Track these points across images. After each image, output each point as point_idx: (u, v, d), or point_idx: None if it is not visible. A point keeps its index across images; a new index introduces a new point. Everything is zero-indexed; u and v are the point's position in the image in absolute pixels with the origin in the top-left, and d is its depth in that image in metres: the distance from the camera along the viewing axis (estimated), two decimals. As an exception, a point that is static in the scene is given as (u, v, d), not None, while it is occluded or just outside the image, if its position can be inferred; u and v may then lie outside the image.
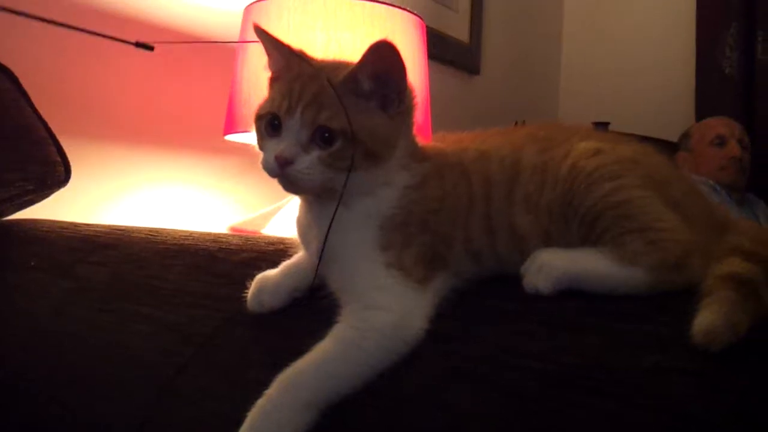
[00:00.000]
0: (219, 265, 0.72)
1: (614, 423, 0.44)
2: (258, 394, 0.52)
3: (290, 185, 0.54)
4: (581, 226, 0.55)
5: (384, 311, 0.52)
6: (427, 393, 0.51)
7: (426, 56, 1.26)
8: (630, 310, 0.50)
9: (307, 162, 0.53)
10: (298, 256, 0.63)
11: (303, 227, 0.60)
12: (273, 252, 0.70)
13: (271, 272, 0.63)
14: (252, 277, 0.63)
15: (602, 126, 1.70)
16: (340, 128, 0.52)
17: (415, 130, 0.59)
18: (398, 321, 0.52)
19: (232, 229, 1.22)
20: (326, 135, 0.53)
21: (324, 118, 0.53)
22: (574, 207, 0.55)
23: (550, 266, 0.52)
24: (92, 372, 0.69)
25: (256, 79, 1.17)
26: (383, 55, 0.53)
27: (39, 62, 1.18)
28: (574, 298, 0.52)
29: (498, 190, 0.57)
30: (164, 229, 0.86)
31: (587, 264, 0.52)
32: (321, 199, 0.56)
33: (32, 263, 0.84)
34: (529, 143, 0.59)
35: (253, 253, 0.71)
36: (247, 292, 0.62)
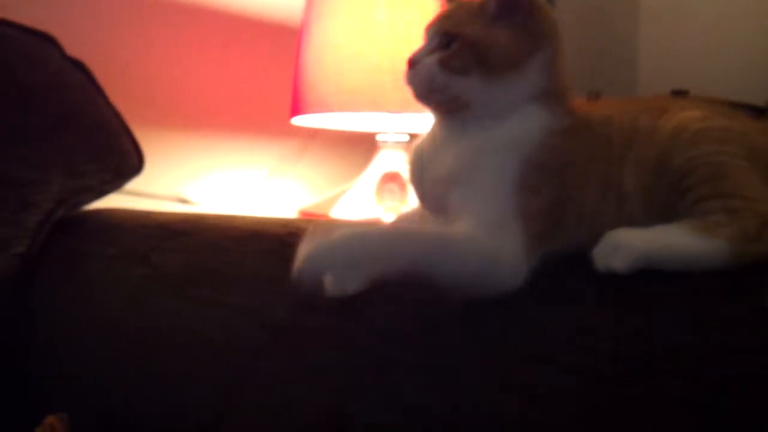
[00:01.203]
0: (289, 250, 0.72)
1: (692, 406, 0.42)
2: (332, 379, 0.52)
3: (414, 90, 0.58)
4: (672, 178, 0.53)
5: (493, 246, 0.51)
6: (501, 376, 0.50)
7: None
8: (706, 289, 0.48)
9: (428, 63, 0.56)
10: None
11: (423, 159, 0.59)
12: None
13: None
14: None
15: (680, 94, 1.63)
16: (458, 32, 0.55)
17: (560, 72, 0.58)
18: (500, 262, 0.51)
19: (302, 212, 1.23)
20: (448, 40, 0.56)
21: (448, 26, 0.56)
22: (670, 159, 0.54)
23: (626, 245, 0.50)
24: (167, 361, 0.70)
25: (321, 61, 1.16)
26: None
27: (107, 54, 1.21)
28: (648, 278, 0.50)
29: (615, 153, 0.56)
30: (236, 215, 0.87)
31: (665, 240, 0.51)
32: (453, 120, 0.57)
33: (110, 252, 0.86)
34: (644, 112, 0.58)
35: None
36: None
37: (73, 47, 1.00)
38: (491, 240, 0.51)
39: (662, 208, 0.54)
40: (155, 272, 0.80)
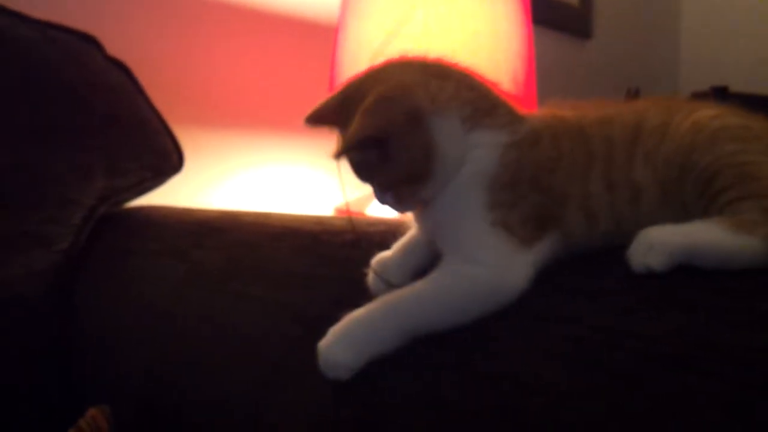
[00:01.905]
0: (323, 247, 0.72)
1: (724, 405, 0.41)
2: (360, 371, 0.53)
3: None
4: (697, 181, 0.53)
5: (482, 266, 0.53)
6: (524, 371, 0.50)
7: (530, 21, 1.21)
8: (737, 287, 0.47)
9: (387, 199, 0.57)
10: (412, 234, 0.63)
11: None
12: (374, 233, 0.69)
13: (386, 254, 0.63)
14: (355, 258, 0.64)
15: (720, 90, 1.59)
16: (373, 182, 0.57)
17: (469, 101, 0.57)
18: (494, 277, 0.53)
19: (338, 210, 1.23)
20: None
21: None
22: (693, 161, 0.53)
23: (661, 242, 0.50)
24: (207, 353, 0.71)
25: (356, 59, 1.17)
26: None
27: (147, 54, 1.23)
28: (676, 275, 0.49)
29: (620, 150, 0.56)
30: (272, 212, 0.88)
31: (700, 236, 0.50)
32: None
33: (152, 248, 0.88)
34: (651, 109, 0.58)
35: (355, 235, 0.71)
36: (351, 273, 0.63)
37: (114, 48, 1.02)
38: (483, 266, 0.53)
39: (684, 207, 0.54)
40: (195, 268, 0.81)
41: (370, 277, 0.62)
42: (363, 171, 0.56)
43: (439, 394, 0.53)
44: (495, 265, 0.53)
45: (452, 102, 0.55)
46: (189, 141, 1.09)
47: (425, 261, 0.60)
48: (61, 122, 0.93)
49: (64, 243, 0.90)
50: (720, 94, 1.45)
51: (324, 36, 1.37)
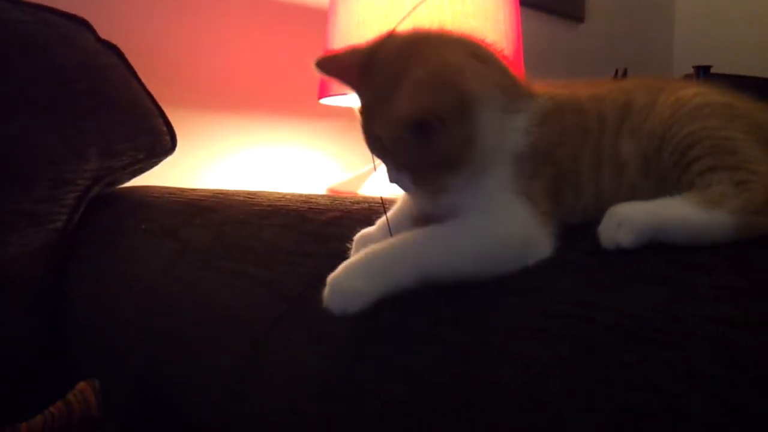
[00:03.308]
0: (308, 224, 0.74)
1: (686, 376, 0.43)
2: (341, 346, 0.54)
3: None
4: (674, 151, 0.53)
5: (512, 226, 0.53)
6: (498, 345, 0.51)
7: (518, 3, 1.22)
8: (704, 262, 0.48)
9: (405, 181, 0.55)
10: (396, 211, 0.63)
11: None
12: (357, 210, 0.71)
13: (370, 230, 0.63)
14: (338, 234, 0.65)
15: (704, 69, 1.59)
16: (401, 167, 0.54)
17: (499, 81, 0.55)
18: (524, 237, 0.53)
19: (330, 190, 1.25)
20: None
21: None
22: (673, 132, 0.53)
23: (630, 219, 0.50)
24: (194, 328, 0.73)
25: (347, 42, 1.18)
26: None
27: (138, 36, 1.25)
28: (646, 251, 0.50)
29: (609, 126, 0.57)
30: (260, 191, 0.90)
31: (669, 212, 0.50)
32: None
33: (143, 227, 0.90)
34: (640, 88, 0.59)
35: (339, 212, 0.73)
36: (335, 250, 0.64)
37: (105, 31, 1.03)
38: (503, 221, 0.53)
39: (663, 179, 0.54)
40: (184, 246, 0.83)
41: (352, 254, 0.62)
42: (386, 148, 0.53)
43: (411, 365, 0.55)
44: (522, 229, 0.52)
45: (495, 89, 0.53)
46: (182, 123, 1.11)
47: None
48: (53, 103, 0.94)
49: (58, 222, 0.92)
50: (703, 73, 1.47)
51: (315, 19, 1.38)
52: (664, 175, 0.54)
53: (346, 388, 0.58)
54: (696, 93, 0.56)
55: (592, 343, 0.48)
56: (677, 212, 0.50)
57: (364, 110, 0.54)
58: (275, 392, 0.65)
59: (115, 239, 0.93)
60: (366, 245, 0.61)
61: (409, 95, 0.49)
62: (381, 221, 0.64)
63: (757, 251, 0.49)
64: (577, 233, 0.56)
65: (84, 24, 1.01)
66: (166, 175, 1.12)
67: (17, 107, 0.92)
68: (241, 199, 0.87)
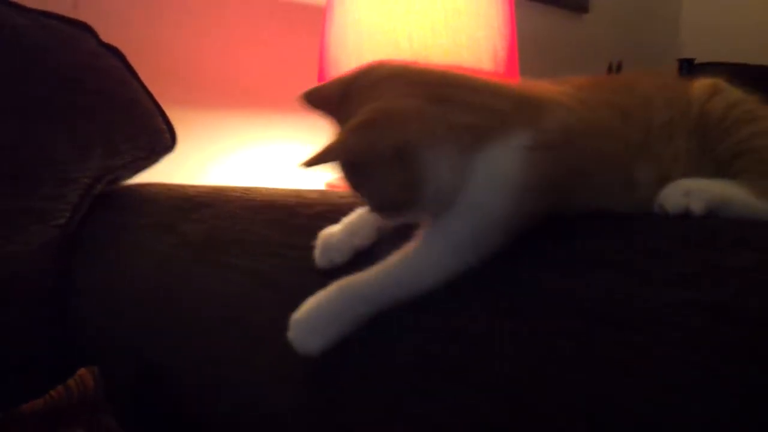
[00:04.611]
0: (297, 218, 0.77)
1: (644, 357, 0.45)
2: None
3: None
4: (714, 161, 0.58)
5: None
6: (443, 321, 0.54)
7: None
8: (665, 248, 0.51)
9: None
10: (361, 212, 0.65)
11: None
12: (344, 204, 0.74)
13: (333, 229, 0.65)
14: (324, 227, 0.68)
15: (687, 62, 1.60)
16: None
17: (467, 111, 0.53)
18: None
19: (329, 185, 1.28)
20: None
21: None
22: (711, 146, 0.59)
23: (700, 190, 0.54)
24: (190, 319, 0.77)
25: (343, 38, 1.20)
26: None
27: (140, 37, 1.28)
28: (607, 238, 0.53)
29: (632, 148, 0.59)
30: (256, 187, 0.93)
31: (734, 192, 0.55)
32: None
33: (143, 223, 0.94)
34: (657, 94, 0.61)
35: (327, 206, 0.75)
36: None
37: (107, 32, 1.07)
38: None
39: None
40: (181, 240, 0.87)
41: (317, 253, 0.64)
42: (347, 182, 0.55)
43: (395, 353, 0.58)
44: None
45: (449, 134, 0.51)
46: (182, 121, 1.14)
47: (369, 242, 0.63)
48: (58, 104, 0.98)
49: (60, 219, 0.96)
50: (686, 66, 1.47)
51: (313, 17, 1.40)
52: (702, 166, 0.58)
53: (335, 378, 0.61)
54: (708, 92, 0.61)
55: (560, 326, 0.51)
56: (738, 195, 0.55)
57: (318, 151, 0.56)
58: (266, 378, 0.68)
59: (117, 234, 0.96)
60: (328, 247, 0.64)
61: (345, 133, 0.50)
62: (345, 220, 0.66)
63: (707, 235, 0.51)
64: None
65: (86, 28, 1.04)
66: (168, 172, 1.15)
67: (24, 109, 0.96)
68: (238, 194, 0.90)
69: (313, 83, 1.28)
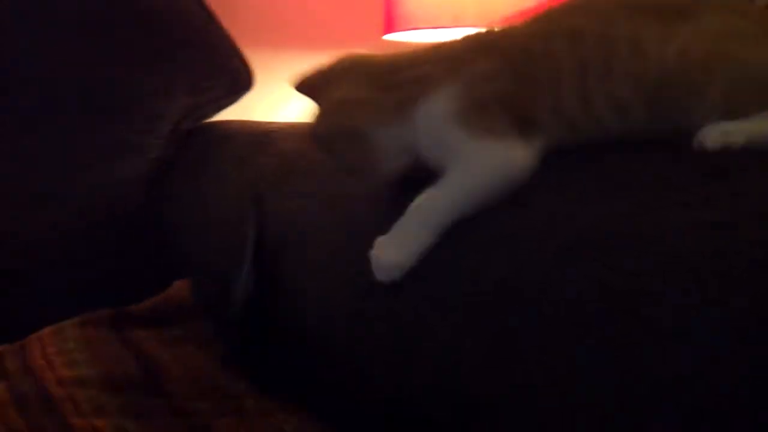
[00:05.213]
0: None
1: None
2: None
3: None
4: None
5: (487, 157, 0.61)
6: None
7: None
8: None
9: None
10: None
11: None
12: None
13: None
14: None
15: None
16: None
17: None
18: (501, 157, 0.60)
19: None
20: None
21: None
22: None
23: (735, 129, 0.56)
24: (264, 242, 0.85)
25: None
26: None
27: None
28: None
29: (593, 69, 0.60)
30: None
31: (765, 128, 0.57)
32: None
33: (222, 157, 1.03)
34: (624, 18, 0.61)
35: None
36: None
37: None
38: (488, 157, 0.60)
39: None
40: (255, 173, 0.95)
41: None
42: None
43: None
44: (496, 153, 0.60)
45: (390, 113, 0.64)
46: (258, 61, 1.22)
47: None
48: (143, 45, 1.08)
49: (155, 152, 1.07)
50: None
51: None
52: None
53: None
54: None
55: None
56: None
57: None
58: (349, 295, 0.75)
59: (200, 168, 1.07)
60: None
61: (314, 120, 0.67)
62: None
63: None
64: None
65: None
66: (246, 111, 1.24)
67: (116, 51, 1.07)
68: (305, 129, 0.98)
69: (378, 21, 1.33)
